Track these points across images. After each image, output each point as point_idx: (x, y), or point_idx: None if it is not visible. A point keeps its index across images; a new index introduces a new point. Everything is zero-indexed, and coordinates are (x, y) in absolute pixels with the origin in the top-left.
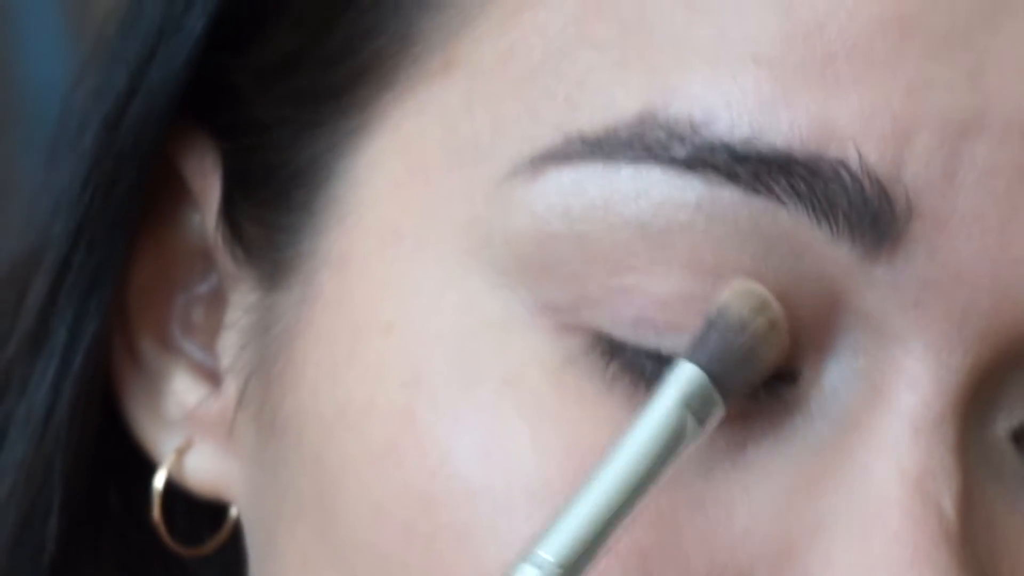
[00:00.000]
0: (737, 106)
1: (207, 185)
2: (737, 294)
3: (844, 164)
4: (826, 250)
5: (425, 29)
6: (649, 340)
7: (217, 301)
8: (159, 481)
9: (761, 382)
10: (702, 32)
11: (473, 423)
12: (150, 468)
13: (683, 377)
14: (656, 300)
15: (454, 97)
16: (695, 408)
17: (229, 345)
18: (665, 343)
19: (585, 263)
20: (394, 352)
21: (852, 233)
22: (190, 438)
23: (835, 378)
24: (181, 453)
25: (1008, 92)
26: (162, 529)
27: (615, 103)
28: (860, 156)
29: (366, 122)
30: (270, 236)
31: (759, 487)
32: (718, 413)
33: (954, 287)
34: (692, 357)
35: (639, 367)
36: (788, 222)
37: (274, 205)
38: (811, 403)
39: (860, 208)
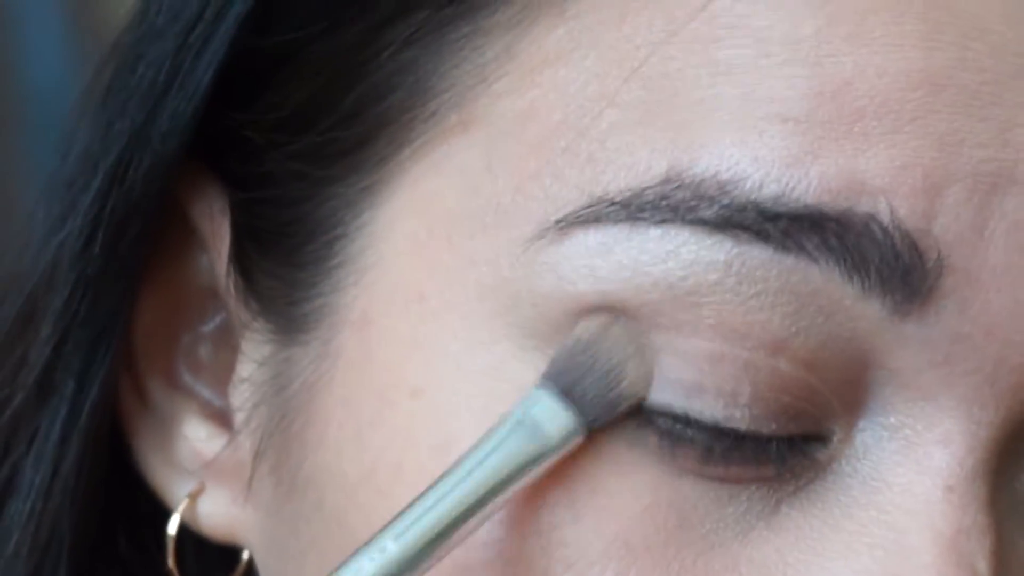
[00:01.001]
0: (765, 164)
1: (216, 229)
2: (586, 322)
3: (875, 218)
4: (857, 307)
5: (441, 86)
6: (677, 403)
7: (224, 339)
8: (172, 527)
9: (624, 394)
10: (727, 91)
11: (511, 490)
12: (159, 511)
13: (533, 400)
14: (683, 362)
15: (473, 156)
16: (538, 422)
17: (243, 400)
18: (693, 405)
19: (612, 324)
20: (422, 416)
21: (883, 288)
22: (203, 483)
23: (867, 437)
24: (194, 498)
25: None
26: (175, 574)
27: (640, 163)
28: (891, 210)
29: (383, 179)
30: (284, 290)
31: (793, 549)
32: (571, 426)
33: (985, 342)
34: (544, 381)
35: (667, 430)
36: (819, 279)
37: (287, 260)
38: (844, 463)
39: (891, 262)
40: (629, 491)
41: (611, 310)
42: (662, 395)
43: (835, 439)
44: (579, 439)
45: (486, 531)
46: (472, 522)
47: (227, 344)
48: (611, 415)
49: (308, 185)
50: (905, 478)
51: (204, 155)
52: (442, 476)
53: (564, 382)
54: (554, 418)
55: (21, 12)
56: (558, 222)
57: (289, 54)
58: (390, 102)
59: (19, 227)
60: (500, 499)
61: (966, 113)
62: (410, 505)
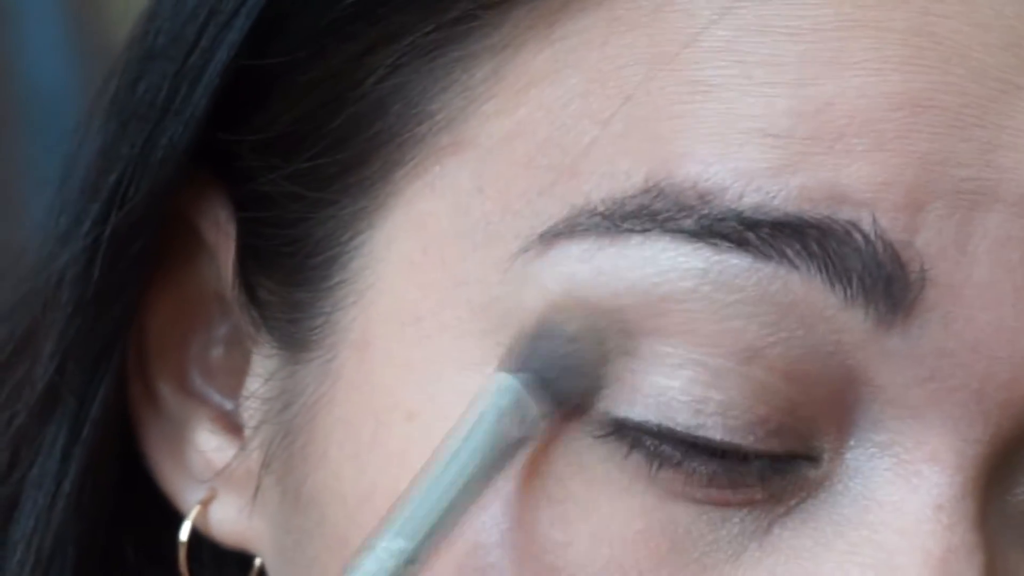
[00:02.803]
0: (745, 175)
1: (221, 238)
2: (549, 312)
3: (856, 226)
4: (840, 317)
5: (431, 109)
6: (651, 416)
7: (235, 342)
8: (184, 534)
9: (590, 391)
10: (708, 107)
11: (500, 511)
12: (167, 518)
13: (495, 386)
14: (652, 371)
15: (463, 177)
16: (513, 416)
17: (250, 414)
18: (665, 415)
19: (587, 333)
20: (417, 440)
21: (866, 298)
22: (214, 490)
23: (858, 455)
24: (206, 504)
25: (1021, 168)
26: None
27: (620, 173)
28: (873, 219)
29: (379, 199)
30: (286, 309)
31: (786, 570)
32: (537, 415)
33: (971, 358)
34: (505, 367)
35: (653, 450)
36: (800, 288)
37: (288, 280)
38: (835, 482)
39: (874, 271)
40: (621, 515)
41: (576, 304)
42: (637, 409)
43: (825, 458)
44: (544, 426)
45: (478, 555)
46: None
47: (238, 347)
48: (573, 409)
49: (304, 206)
50: (896, 496)
51: (209, 164)
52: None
53: (532, 372)
54: (528, 407)
55: (21, 12)
56: (542, 235)
57: (276, 77)
58: (381, 125)
59: (18, 227)
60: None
61: (948, 134)
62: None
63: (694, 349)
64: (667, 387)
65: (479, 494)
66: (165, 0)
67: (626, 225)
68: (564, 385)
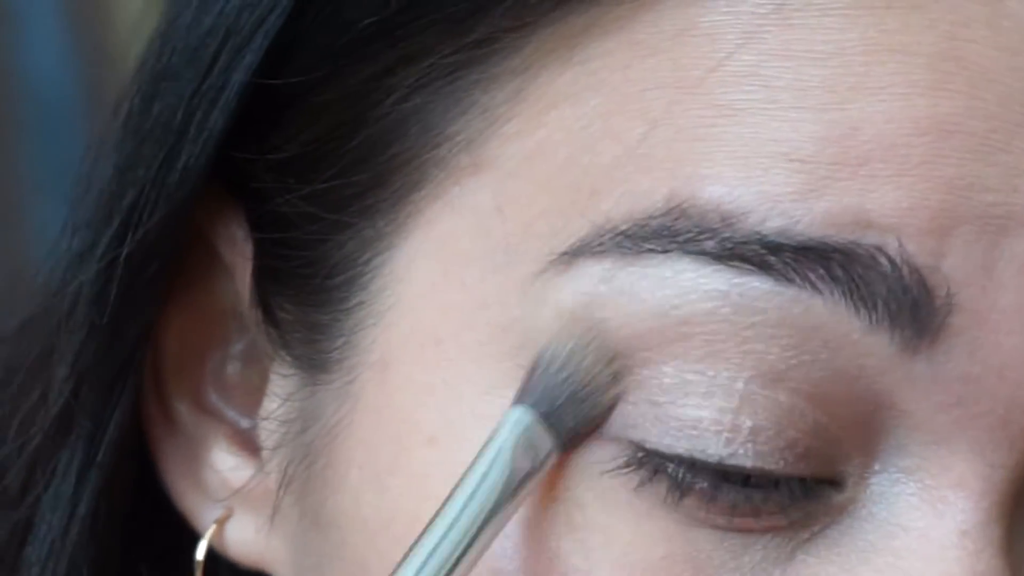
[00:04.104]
0: (769, 198)
1: (238, 258)
2: (559, 335)
3: (882, 251)
4: (864, 341)
5: (451, 130)
6: (677, 444)
7: (252, 359)
8: (200, 553)
9: (599, 417)
10: (732, 131)
11: (522, 537)
12: (182, 540)
13: (510, 420)
14: (678, 399)
15: (484, 198)
16: (524, 448)
17: (268, 434)
18: (695, 445)
19: (608, 359)
20: (437, 465)
21: (892, 323)
22: (231, 509)
23: (883, 479)
24: (222, 524)
25: None
26: None
27: (642, 192)
28: (900, 243)
29: (399, 220)
30: (304, 331)
31: None
32: (551, 450)
33: (997, 384)
34: (520, 400)
35: (676, 478)
36: (824, 312)
37: (306, 302)
38: (860, 507)
39: (899, 296)
40: (643, 542)
41: (589, 326)
42: (664, 438)
43: (849, 482)
44: (555, 459)
45: None
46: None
47: (255, 365)
48: (582, 435)
49: (322, 227)
50: (922, 522)
51: (226, 182)
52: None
53: (542, 403)
54: (539, 440)
55: (21, 12)
56: (563, 255)
57: (294, 98)
58: (399, 147)
59: (18, 228)
60: (492, 528)
61: (974, 158)
62: (414, 548)
63: (719, 374)
64: (698, 418)
65: (494, 530)
66: (180, 18)
67: (647, 245)
68: (576, 415)
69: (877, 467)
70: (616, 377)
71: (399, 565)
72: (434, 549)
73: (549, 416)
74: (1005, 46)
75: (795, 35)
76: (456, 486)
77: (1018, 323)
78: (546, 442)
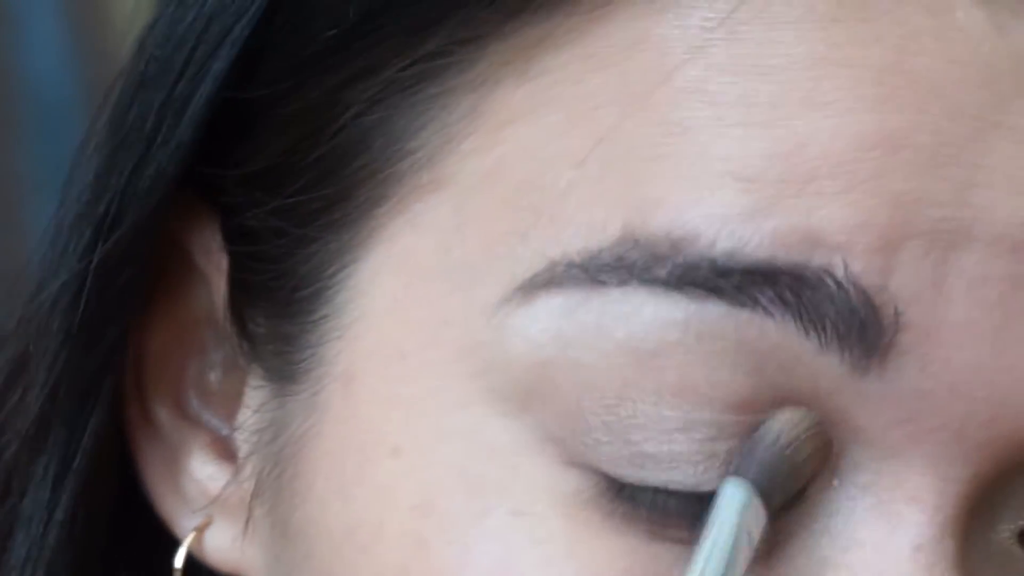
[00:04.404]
0: (718, 220)
1: (213, 267)
2: (779, 414)
3: (829, 272)
4: (816, 363)
5: (411, 146)
6: (652, 477)
7: (232, 368)
8: (179, 560)
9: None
10: (681, 149)
11: (484, 552)
12: (162, 545)
13: (737, 498)
14: (653, 433)
15: (444, 215)
16: (750, 526)
17: (242, 443)
18: (673, 477)
19: (579, 394)
20: (402, 476)
21: (840, 344)
22: (210, 516)
23: (839, 495)
24: (201, 530)
25: (998, 206)
26: None
27: (596, 223)
28: (845, 264)
29: (362, 235)
30: (273, 342)
31: None
32: (764, 526)
33: (949, 399)
34: (742, 473)
35: (647, 503)
36: (776, 334)
37: (275, 313)
38: (817, 521)
39: (847, 317)
40: (603, 556)
41: (793, 402)
42: (638, 473)
43: (809, 498)
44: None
45: None
46: None
47: (233, 372)
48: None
49: (289, 241)
50: (876, 536)
51: (201, 192)
52: None
53: (762, 482)
54: (758, 520)
55: (21, 12)
56: (522, 287)
57: (260, 110)
58: (362, 161)
59: (17, 228)
60: None
61: (923, 173)
62: None
63: (692, 409)
64: (673, 453)
65: None
66: (158, 26)
67: (602, 277)
68: (782, 492)
69: (836, 483)
70: (819, 439)
71: None
72: None
73: (766, 494)
74: (954, 58)
75: (742, 49)
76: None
77: (968, 338)
78: (763, 520)
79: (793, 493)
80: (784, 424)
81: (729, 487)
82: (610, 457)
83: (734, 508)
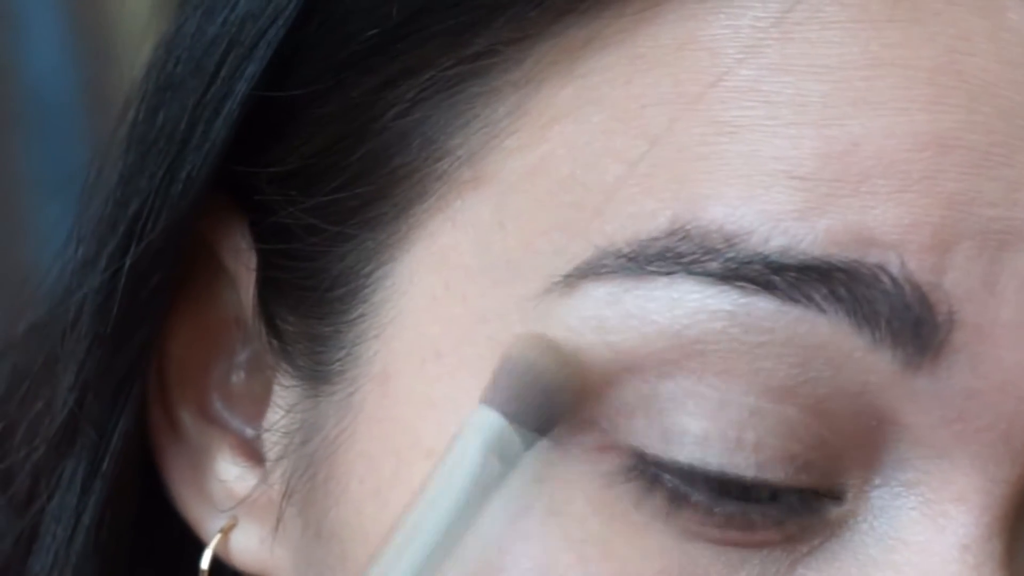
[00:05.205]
0: (771, 217)
1: (242, 266)
2: (523, 340)
3: (884, 269)
4: (867, 359)
5: (452, 144)
6: (683, 455)
7: (257, 368)
8: (205, 562)
9: (564, 417)
10: (732, 148)
11: (521, 552)
12: (186, 549)
13: (481, 422)
14: (690, 411)
15: (485, 212)
16: (497, 450)
17: (272, 445)
18: (696, 455)
19: (619, 374)
20: None
21: (894, 341)
22: (236, 518)
23: (884, 493)
24: (227, 532)
25: None
26: None
27: (644, 214)
28: (901, 262)
29: (401, 233)
30: (306, 342)
31: None
32: (520, 452)
33: (999, 398)
34: (488, 401)
35: (674, 489)
36: (827, 331)
37: (309, 313)
38: (860, 521)
39: (902, 314)
40: (639, 556)
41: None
42: (669, 449)
43: (849, 496)
44: (521, 455)
45: None
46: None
47: (259, 374)
48: (546, 432)
49: (324, 240)
50: (922, 536)
51: (230, 192)
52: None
53: (509, 406)
54: (509, 442)
55: (21, 12)
56: (567, 276)
57: (296, 110)
58: (401, 160)
59: (17, 228)
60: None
61: (975, 173)
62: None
63: (730, 389)
64: (705, 429)
65: (462, 534)
66: (184, 28)
67: (651, 267)
68: (535, 415)
69: (878, 481)
70: (567, 364)
71: (367, 564)
72: (399, 552)
73: (516, 417)
74: (1006, 59)
75: (795, 49)
76: (420, 488)
77: (1020, 338)
78: (516, 444)
79: (552, 418)
80: (528, 352)
81: (473, 413)
82: (645, 432)
83: (478, 432)
